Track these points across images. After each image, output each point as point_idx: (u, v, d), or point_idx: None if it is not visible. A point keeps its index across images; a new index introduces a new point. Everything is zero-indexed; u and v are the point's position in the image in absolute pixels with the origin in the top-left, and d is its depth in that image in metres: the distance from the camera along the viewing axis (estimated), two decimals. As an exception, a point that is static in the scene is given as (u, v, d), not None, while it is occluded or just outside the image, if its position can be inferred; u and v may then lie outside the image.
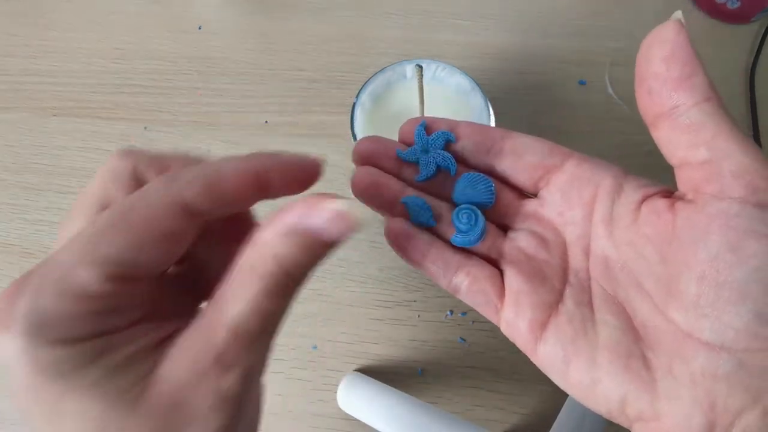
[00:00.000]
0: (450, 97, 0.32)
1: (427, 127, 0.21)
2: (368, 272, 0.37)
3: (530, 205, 0.20)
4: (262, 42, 0.46)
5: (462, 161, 0.21)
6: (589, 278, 0.18)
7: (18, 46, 0.47)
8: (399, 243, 0.19)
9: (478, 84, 0.31)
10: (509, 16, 0.47)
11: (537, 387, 0.34)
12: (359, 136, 0.30)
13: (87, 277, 0.13)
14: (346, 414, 0.33)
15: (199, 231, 0.16)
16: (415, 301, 0.36)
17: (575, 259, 0.19)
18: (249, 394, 0.15)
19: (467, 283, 0.19)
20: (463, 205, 0.19)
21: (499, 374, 0.34)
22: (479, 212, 0.19)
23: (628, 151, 0.40)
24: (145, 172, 0.17)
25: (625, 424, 0.16)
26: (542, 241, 0.19)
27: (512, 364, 0.34)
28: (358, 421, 0.32)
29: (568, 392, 0.17)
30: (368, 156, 0.21)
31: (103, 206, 0.16)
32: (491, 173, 0.20)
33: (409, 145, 0.21)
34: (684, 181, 0.16)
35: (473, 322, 0.35)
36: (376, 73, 0.31)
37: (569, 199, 0.19)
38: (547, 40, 0.45)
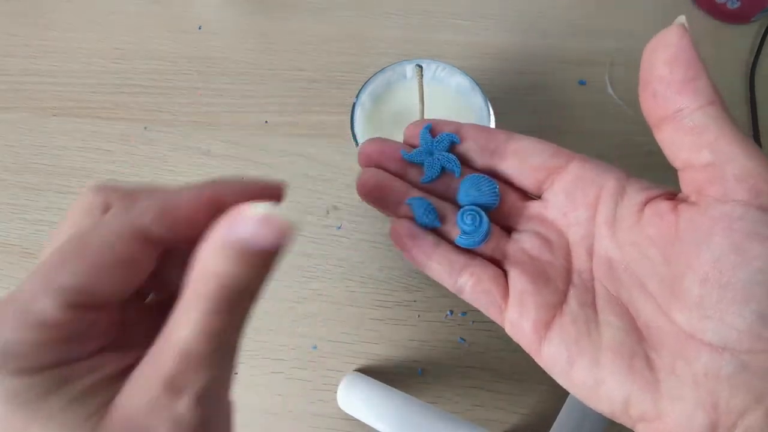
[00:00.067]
0: (450, 97, 0.32)
1: (431, 129, 0.21)
2: (368, 272, 0.37)
3: (534, 206, 0.20)
4: (262, 42, 0.46)
5: (466, 163, 0.21)
6: (592, 279, 0.18)
7: (18, 46, 0.47)
8: (404, 243, 0.19)
9: (478, 84, 0.31)
10: (509, 16, 0.47)
11: (537, 387, 0.34)
12: (359, 136, 0.30)
13: (46, 306, 0.13)
14: (346, 414, 0.33)
15: (159, 257, 0.16)
16: (415, 301, 0.36)
17: (579, 260, 0.19)
18: (213, 414, 0.14)
19: (471, 283, 0.19)
20: (467, 207, 0.19)
21: (499, 374, 0.34)
22: (484, 213, 0.19)
23: (628, 151, 0.40)
24: (116, 206, 0.17)
25: (628, 424, 0.16)
26: (546, 242, 0.19)
27: (512, 364, 0.34)
28: (358, 421, 0.32)
29: (572, 392, 0.17)
30: (373, 157, 0.21)
31: None
32: (495, 175, 0.20)
33: (413, 146, 0.21)
34: (687, 183, 0.16)
35: (473, 322, 0.35)
36: (376, 73, 0.31)
37: (573, 201, 0.19)
38: (547, 40, 0.45)
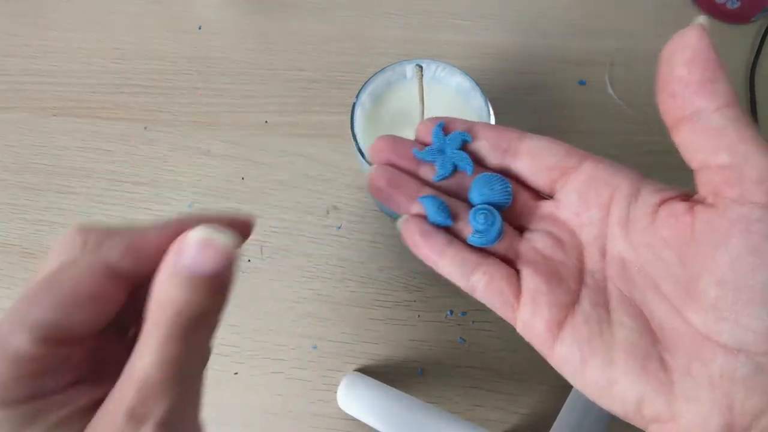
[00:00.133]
0: (450, 97, 0.32)
1: (444, 127, 0.21)
2: (368, 272, 0.37)
3: (546, 206, 0.20)
4: (262, 42, 0.46)
5: (478, 161, 0.21)
6: (605, 280, 0.18)
7: (18, 46, 0.47)
8: (415, 241, 0.19)
9: (478, 84, 0.31)
10: (509, 16, 0.47)
11: (537, 387, 0.34)
12: (359, 136, 0.30)
13: (20, 342, 0.14)
14: (346, 414, 0.33)
15: (130, 292, 0.16)
16: (415, 301, 0.36)
17: (591, 260, 0.19)
18: None
19: (484, 282, 0.19)
20: (480, 205, 0.19)
21: (499, 374, 0.34)
22: (497, 212, 0.19)
23: (628, 151, 0.40)
24: (89, 244, 0.17)
25: (640, 424, 0.16)
26: (558, 242, 0.19)
27: (512, 364, 0.34)
28: (358, 421, 0.32)
29: (584, 392, 0.17)
30: (385, 154, 0.21)
31: None
32: (507, 174, 0.20)
33: (425, 144, 0.21)
34: (704, 184, 0.16)
35: (473, 322, 0.35)
36: (376, 73, 0.31)
37: (586, 201, 0.19)
38: (547, 40, 0.45)
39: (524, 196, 0.20)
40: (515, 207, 0.20)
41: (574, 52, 0.45)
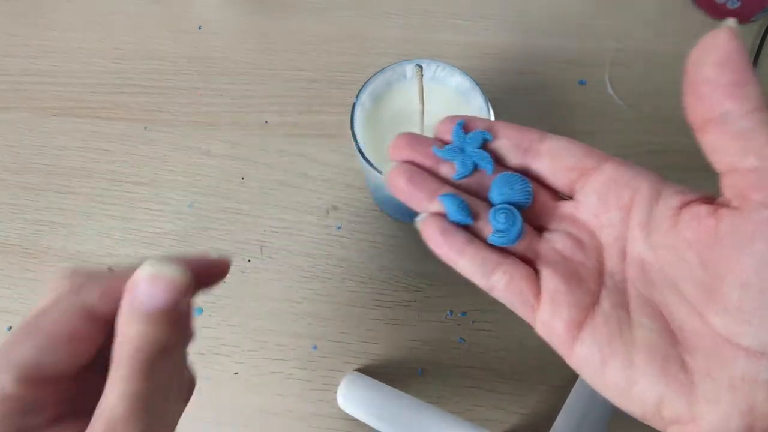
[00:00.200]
0: (450, 97, 0.32)
1: (464, 125, 0.21)
2: (368, 272, 0.37)
3: (566, 206, 0.20)
4: (262, 42, 0.46)
5: (498, 161, 0.21)
6: (624, 281, 0.18)
7: (18, 46, 0.47)
8: (435, 239, 0.19)
9: (478, 84, 0.31)
10: (509, 16, 0.47)
11: (537, 387, 0.34)
12: (359, 136, 0.30)
13: (3, 381, 0.15)
14: (346, 414, 0.33)
15: (106, 332, 0.17)
16: (415, 301, 0.36)
17: (611, 261, 0.19)
18: None
19: (504, 282, 0.19)
20: (500, 205, 0.19)
21: (499, 374, 0.34)
22: (517, 212, 0.19)
23: (628, 151, 0.40)
24: (71, 287, 0.18)
25: (659, 426, 0.16)
26: (578, 242, 0.19)
27: (512, 364, 0.34)
28: (358, 421, 0.32)
29: (604, 394, 0.17)
30: (405, 152, 0.21)
31: None
32: (527, 173, 0.20)
33: (445, 143, 0.21)
34: (729, 187, 0.16)
35: (473, 322, 0.35)
36: (376, 73, 0.31)
37: (606, 202, 0.19)
38: (547, 40, 0.45)
39: (544, 196, 0.20)
40: (535, 207, 0.20)
41: (574, 52, 0.45)
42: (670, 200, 0.18)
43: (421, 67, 0.29)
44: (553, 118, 0.42)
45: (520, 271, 0.19)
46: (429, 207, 0.20)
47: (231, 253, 0.38)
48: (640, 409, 0.16)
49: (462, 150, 0.20)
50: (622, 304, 0.18)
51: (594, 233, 0.19)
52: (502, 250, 0.19)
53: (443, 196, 0.19)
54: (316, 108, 0.43)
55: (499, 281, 0.19)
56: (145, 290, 0.15)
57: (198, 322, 0.36)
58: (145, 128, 0.43)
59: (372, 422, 0.31)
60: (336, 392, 0.33)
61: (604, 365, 0.17)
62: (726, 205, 0.16)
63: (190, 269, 0.17)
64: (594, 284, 0.18)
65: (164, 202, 0.40)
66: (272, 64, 0.45)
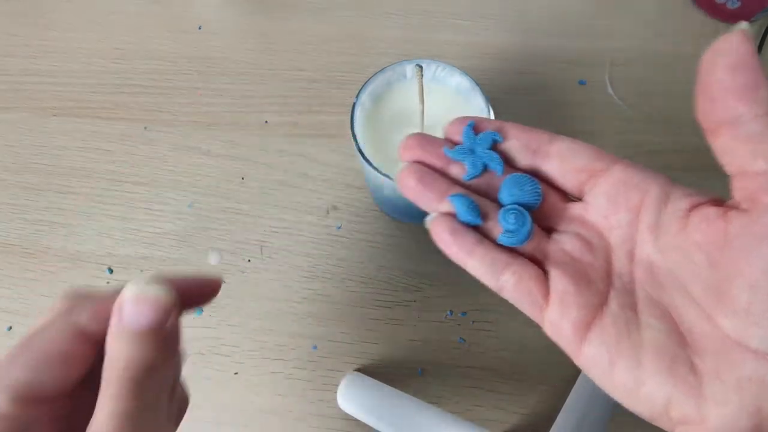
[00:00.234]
0: (450, 97, 0.32)
1: (474, 126, 0.21)
2: (368, 272, 0.37)
3: (575, 208, 0.20)
4: (262, 42, 0.46)
5: (508, 162, 0.21)
6: (633, 282, 0.18)
7: (18, 46, 0.47)
8: (444, 239, 0.19)
9: (478, 84, 0.31)
10: (509, 16, 0.47)
11: (537, 387, 0.34)
12: (359, 136, 0.30)
13: None
14: (346, 414, 0.33)
15: (97, 352, 0.17)
16: (415, 301, 0.36)
17: (619, 263, 0.19)
18: None
19: (513, 282, 0.19)
20: (510, 205, 0.19)
21: (499, 374, 0.34)
22: (527, 213, 0.19)
23: (628, 152, 0.40)
24: (65, 308, 0.18)
25: (667, 426, 0.17)
26: (587, 244, 0.19)
27: (512, 364, 0.34)
28: (358, 421, 0.32)
29: (611, 394, 0.17)
30: (416, 152, 0.21)
31: None
32: (536, 175, 0.21)
33: (455, 144, 0.21)
34: (739, 190, 0.16)
35: (473, 322, 0.35)
36: (376, 73, 0.31)
37: (615, 204, 0.19)
38: (547, 40, 0.45)
39: (553, 198, 0.20)
40: (544, 208, 0.20)
41: (574, 52, 0.45)
42: (679, 203, 0.18)
43: (421, 67, 0.29)
44: (553, 118, 0.42)
45: (529, 271, 0.19)
46: (439, 207, 0.20)
47: (231, 252, 0.38)
48: (648, 410, 0.16)
49: (472, 151, 0.20)
50: (631, 306, 0.18)
51: (603, 235, 0.19)
52: (511, 251, 0.19)
53: (453, 196, 0.20)
54: (316, 108, 0.43)
55: (508, 281, 0.19)
56: (131, 310, 0.16)
57: (198, 322, 0.36)
58: (145, 128, 0.43)
59: (372, 422, 0.31)
60: (336, 392, 0.33)
61: (612, 366, 0.17)
62: (735, 207, 0.16)
63: (177, 288, 0.17)
64: (602, 285, 0.18)
65: (164, 202, 0.40)
66: (272, 64, 0.45)
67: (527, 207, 0.19)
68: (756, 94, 0.15)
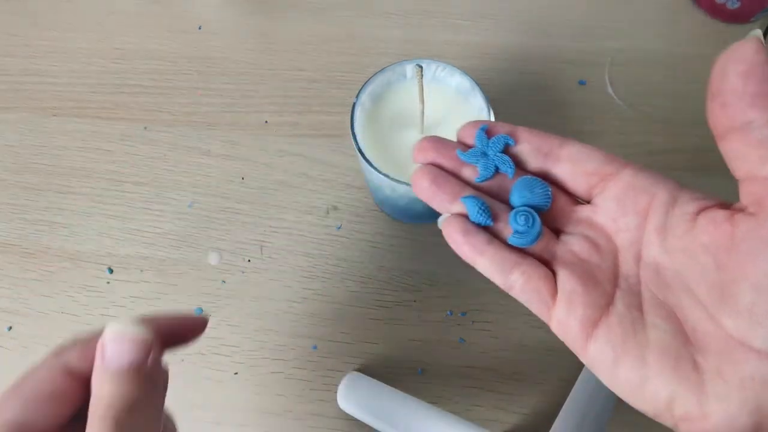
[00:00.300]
0: (450, 97, 0.32)
1: (487, 130, 0.21)
2: (368, 272, 0.37)
3: (584, 210, 0.21)
4: (262, 42, 0.46)
5: (519, 165, 0.21)
6: (639, 284, 0.19)
7: (18, 46, 0.47)
8: (457, 240, 0.20)
9: (478, 84, 0.31)
10: (509, 16, 0.47)
11: (537, 387, 0.34)
12: (359, 136, 0.30)
13: None
14: (346, 414, 0.33)
15: (87, 390, 0.18)
16: (415, 301, 0.36)
17: (626, 264, 0.19)
18: None
19: (522, 281, 0.19)
20: (520, 207, 0.20)
21: (499, 374, 0.34)
22: (536, 214, 0.20)
23: (628, 151, 0.40)
24: (60, 349, 0.19)
25: (669, 423, 0.17)
26: (594, 245, 0.20)
27: (512, 364, 0.34)
28: (358, 421, 0.32)
29: (616, 391, 0.18)
30: (430, 154, 0.21)
31: None
32: (547, 178, 0.21)
33: (468, 146, 0.22)
34: (747, 194, 0.17)
35: (473, 322, 0.35)
36: (376, 73, 0.31)
37: (623, 207, 0.19)
38: (547, 40, 0.45)
39: (562, 200, 0.21)
40: (553, 210, 0.21)
41: (574, 52, 0.45)
42: (687, 206, 0.18)
43: (421, 67, 0.29)
44: (553, 118, 0.42)
45: (538, 271, 0.19)
46: (451, 208, 0.20)
47: (231, 252, 0.38)
48: (651, 407, 0.17)
49: (485, 154, 0.21)
50: (636, 306, 0.18)
51: (610, 237, 0.20)
52: (520, 251, 0.20)
53: (465, 197, 0.20)
54: (316, 108, 0.43)
55: (517, 281, 0.19)
56: (112, 350, 0.17)
57: (198, 322, 0.36)
58: (145, 128, 0.43)
59: (372, 422, 0.31)
60: (336, 392, 0.33)
61: (617, 363, 0.17)
62: (742, 211, 0.17)
63: (162, 327, 0.18)
64: (609, 286, 0.19)
65: (164, 202, 0.40)
66: (272, 64, 0.45)
67: (537, 209, 0.20)
68: None
